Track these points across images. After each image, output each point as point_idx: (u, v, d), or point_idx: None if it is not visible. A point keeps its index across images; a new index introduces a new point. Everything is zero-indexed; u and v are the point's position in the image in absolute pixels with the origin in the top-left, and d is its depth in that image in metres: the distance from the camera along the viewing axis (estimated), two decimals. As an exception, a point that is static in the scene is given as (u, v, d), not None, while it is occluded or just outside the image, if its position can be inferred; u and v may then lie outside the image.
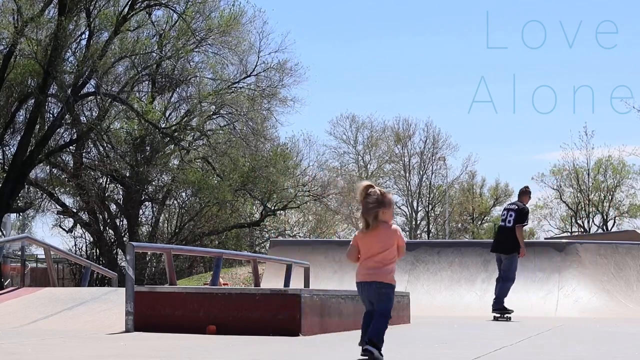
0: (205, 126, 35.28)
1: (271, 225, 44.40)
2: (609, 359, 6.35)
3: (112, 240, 35.81)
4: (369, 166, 61.21)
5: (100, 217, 35.48)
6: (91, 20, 31.07)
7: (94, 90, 32.18)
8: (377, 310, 6.02)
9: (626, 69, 76.50)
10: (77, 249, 38.04)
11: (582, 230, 59.53)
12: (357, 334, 8.80)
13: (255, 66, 36.13)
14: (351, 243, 6.23)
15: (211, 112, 35.41)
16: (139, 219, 36.44)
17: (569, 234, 56.12)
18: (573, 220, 61.83)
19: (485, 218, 67.60)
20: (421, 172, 60.79)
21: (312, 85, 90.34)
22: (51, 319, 9.43)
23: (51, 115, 32.21)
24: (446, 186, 60.42)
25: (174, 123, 35.39)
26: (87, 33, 31.59)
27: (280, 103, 37.12)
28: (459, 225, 64.78)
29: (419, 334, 9.45)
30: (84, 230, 37.34)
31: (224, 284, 20.02)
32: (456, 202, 63.18)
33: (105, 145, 34.13)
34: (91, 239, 37.29)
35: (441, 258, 18.74)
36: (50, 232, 70.56)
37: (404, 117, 63.14)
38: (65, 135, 33.84)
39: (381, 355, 5.81)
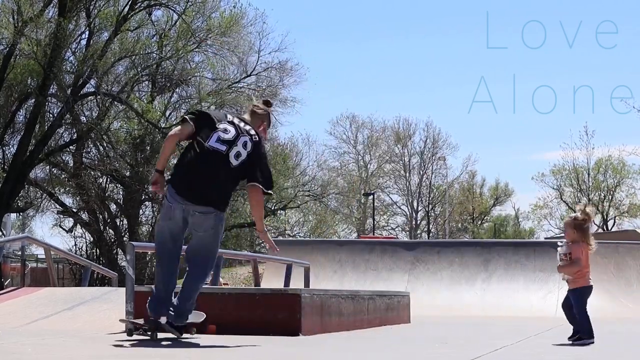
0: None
1: (271, 225, 44.42)
2: (609, 359, 6.35)
3: (112, 240, 35.82)
4: (369, 166, 61.24)
5: (100, 217, 35.49)
6: (91, 20, 31.08)
7: (94, 90, 32.19)
8: None
9: (626, 69, 76.67)
10: (77, 249, 38.04)
11: (582, 230, 59.42)
12: (357, 334, 8.80)
13: (255, 66, 36.18)
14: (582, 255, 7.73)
15: (211, 113, 35.43)
16: (139, 219, 36.45)
17: (569, 233, 55.99)
18: (573, 220, 61.77)
19: (485, 218, 67.65)
20: (421, 172, 60.82)
21: (312, 85, 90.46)
22: (51, 319, 9.43)
23: (51, 115, 32.22)
24: (446, 186, 60.44)
25: (174, 123, 35.40)
26: (87, 33, 31.64)
27: (280, 103, 37.14)
28: (459, 225, 64.80)
29: (419, 334, 9.45)
30: (84, 230, 37.36)
31: (224, 284, 20.05)
32: (456, 202, 63.20)
33: (105, 145, 34.14)
34: (91, 239, 37.30)
35: (441, 258, 18.74)
36: (50, 232, 70.54)
37: (404, 117, 63.24)
38: (65, 135, 33.86)
39: None
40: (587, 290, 7.74)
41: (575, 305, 7.71)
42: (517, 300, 17.21)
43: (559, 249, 7.79)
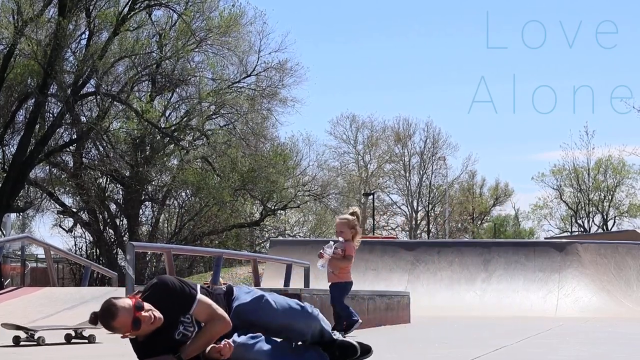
0: (205, 126, 35.28)
1: (271, 225, 44.40)
2: (608, 359, 6.35)
3: (112, 240, 35.81)
4: (369, 166, 61.22)
5: (100, 217, 35.48)
6: (91, 20, 31.06)
7: (94, 90, 32.16)
8: None
9: (626, 69, 76.63)
10: (77, 249, 38.08)
11: (582, 230, 59.53)
12: (356, 333, 8.80)
13: (255, 66, 36.16)
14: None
15: (211, 112, 35.42)
16: (139, 219, 36.45)
17: (569, 234, 56.12)
18: (573, 220, 61.86)
19: (485, 218, 67.60)
20: (421, 172, 60.77)
21: (312, 85, 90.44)
22: (51, 319, 9.43)
23: (51, 115, 32.20)
24: (446, 186, 60.41)
25: (174, 123, 35.38)
26: (87, 33, 31.60)
27: (280, 103, 37.15)
28: (459, 225, 64.76)
29: (419, 334, 9.46)
30: (84, 230, 37.36)
31: (223, 284, 20.01)
32: (456, 202, 63.15)
33: (105, 145, 34.12)
34: (91, 239, 37.30)
35: (441, 258, 18.75)
36: (50, 232, 70.51)
37: (404, 117, 63.16)
38: (65, 135, 33.84)
39: None
40: (349, 285, 8.12)
41: (334, 298, 7.96)
42: (517, 300, 17.23)
43: (334, 244, 8.01)
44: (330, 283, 8.22)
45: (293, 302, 4.82)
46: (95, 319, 4.62)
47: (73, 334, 7.47)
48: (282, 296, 4.91)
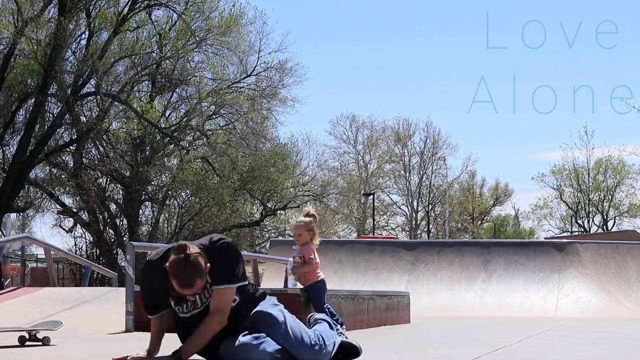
0: (205, 126, 35.27)
1: (271, 225, 44.40)
2: (608, 359, 6.35)
3: (112, 240, 35.80)
4: (369, 166, 61.23)
5: (100, 217, 35.46)
6: (91, 20, 31.05)
7: (94, 90, 32.15)
8: None
9: (626, 69, 76.71)
10: (77, 249, 38.05)
11: (582, 230, 59.57)
12: (356, 333, 8.80)
13: (255, 66, 36.16)
14: (313, 255, 7.63)
15: (211, 112, 35.41)
16: (139, 219, 36.42)
17: (569, 234, 56.13)
18: (573, 220, 61.88)
19: (485, 218, 67.63)
20: (421, 172, 60.80)
21: (312, 85, 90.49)
22: (51, 319, 9.42)
23: (51, 115, 32.18)
24: (446, 186, 60.42)
25: (174, 123, 35.37)
26: (87, 33, 31.58)
27: (280, 103, 37.14)
28: (459, 225, 64.79)
29: (419, 334, 9.45)
30: (84, 230, 37.34)
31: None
32: (456, 202, 63.18)
33: (105, 145, 34.11)
34: (91, 239, 37.28)
35: (441, 258, 18.75)
36: (50, 232, 70.62)
37: (404, 117, 63.26)
38: (65, 135, 33.82)
39: None
40: (320, 283, 7.95)
41: (314, 301, 7.93)
42: (517, 301, 17.23)
43: (294, 253, 7.94)
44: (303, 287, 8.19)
45: (307, 336, 4.87)
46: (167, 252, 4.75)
47: (27, 336, 7.29)
48: (300, 324, 4.97)
